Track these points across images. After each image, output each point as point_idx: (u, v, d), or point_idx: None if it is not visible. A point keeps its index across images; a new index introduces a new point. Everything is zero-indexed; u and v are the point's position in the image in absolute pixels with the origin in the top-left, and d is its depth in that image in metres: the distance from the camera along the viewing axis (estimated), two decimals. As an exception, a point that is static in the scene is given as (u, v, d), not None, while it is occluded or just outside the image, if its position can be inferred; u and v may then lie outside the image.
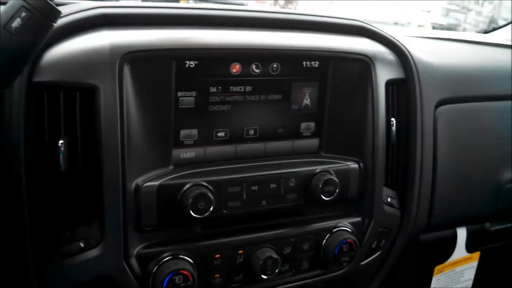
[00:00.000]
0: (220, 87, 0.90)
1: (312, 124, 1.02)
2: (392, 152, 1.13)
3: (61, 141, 0.80)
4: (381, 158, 1.06)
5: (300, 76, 0.97)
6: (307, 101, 1.00)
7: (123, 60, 0.81)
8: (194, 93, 0.89)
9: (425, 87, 1.14)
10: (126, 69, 0.82)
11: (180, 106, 0.88)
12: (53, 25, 0.68)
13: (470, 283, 1.41)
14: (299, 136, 1.01)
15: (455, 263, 1.33)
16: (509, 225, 1.45)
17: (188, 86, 0.88)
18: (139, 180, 0.84)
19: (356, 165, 1.03)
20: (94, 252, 0.84)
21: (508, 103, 1.36)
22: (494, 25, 2.01)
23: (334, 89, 1.01)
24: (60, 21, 0.80)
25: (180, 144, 0.90)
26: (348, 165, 1.02)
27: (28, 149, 0.79)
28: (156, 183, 0.85)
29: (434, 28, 3.10)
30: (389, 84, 1.08)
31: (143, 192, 0.84)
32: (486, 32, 1.95)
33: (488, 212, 1.34)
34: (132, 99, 0.83)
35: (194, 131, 0.91)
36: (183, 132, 0.90)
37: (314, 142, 1.03)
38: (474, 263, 1.39)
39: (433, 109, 1.20)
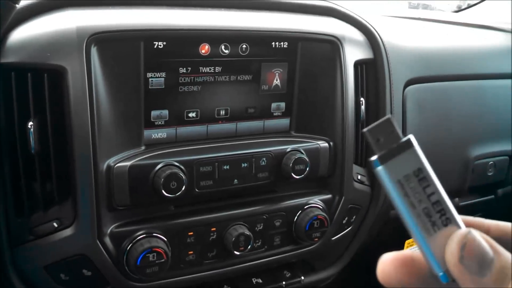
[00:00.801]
0: (189, 68, 0.92)
1: (283, 104, 1.04)
2: (361, 130, 1.16)
3: (30, 123, 0.81)
4: (351, 136, 1.08)
5: (270, 57, 0.99)
6: (277, 81, 1.01)
7: (90, 41, 0.81)
8: (163, 74, 0.90)
9: (394, 67, 1.17)
10: (94, 50, 0.82)
11: (150, 87, 0.89)
12: (15, 7, 0.69)
13: (440, 256, 1.45)
14: (269, 116, 1.03)
15: (425, 238, 1.37)
16: (477, 200, 1.49)
17: (157, 67, 0.89)
18: (110, 161, 0.85)
19: (326, 144, 1.05)
20: (67, 232, 0.85)
21: (476, 82, 1.39)
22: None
23: (304, 70, 1.03)
24: (25, 2, 0.80)
25: (151, 125, 0.91)
26: (318, 144, 1.04)
27: None
28: (127, 163, 0.86)
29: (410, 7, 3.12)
30: (358, 64, 1.10)
31: (114, 172, 0.85)
32: (457, 11, 1.98)
33: (457, 188, 1.38)
34: (101, 80, 0.84)
35: (165, 112, 0.92)
36: (153, 113, 0.91)
37: (285, 121, 1.05)
38: (444, 237, 1.42)
39: (402, 89, 1.22)
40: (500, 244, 0.38)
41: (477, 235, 0.38)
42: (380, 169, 0.40)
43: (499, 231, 0.41)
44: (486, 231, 0.41)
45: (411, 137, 0.41)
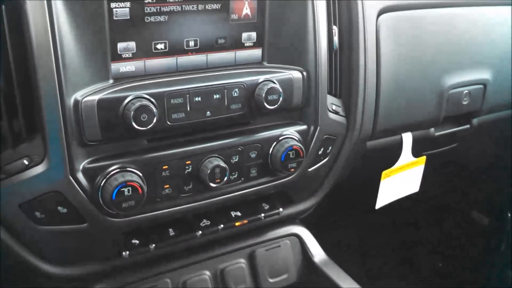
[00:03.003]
0: (155, -3, 0.88)
1: (254, 34, 1.01)
2: (335, 60, 1.15)
3: None
4: (324, 66, 1.07)
5: (238, -16, 0.96)
6: (247, 10, 0.99)
7: None
8: (128, 4, 0.86)
9: (367, -6, 1.15)
10: (53, -21, 0.79)
11: (114, 18, 0.86)
12: None
13: (418, 186, 1.48)
14: (241, 46, 1.01)
15: (402, 168, 1.39)
16: (452, 130, 1.51)
17: (121, -4, 0.85)
18: (78, 95, 0.83)
19: (299, 74, 1.04)
20: (38, 169, 0.84)
21: (451, 9, 1.37)
22: None
23: (274, -2, 1.00)
24: None
25: (119, 58, 0.89)
26: (291, 74, 1.03)
27: None
28: (95, 97, 0.84)
29: None
30: (329, -10, 1.08)
31: (83, 106, 0.83)
32: None
33: (432, 118, 1.39)
34: (62, 10, 0.80)
35: (132, 44, 0.89)
36: (120, 45, 0.88)
37: (257, 52, 1.03)
38: (421, 167, 1.45)
39: (375, 17, 1.21)
40: None
41: None
42: None
43: None
44: None
45: None
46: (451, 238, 2.17)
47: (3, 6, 0.78)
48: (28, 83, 0.82)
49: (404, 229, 2.25)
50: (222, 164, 0.97)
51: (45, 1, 0.78)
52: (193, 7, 0.93)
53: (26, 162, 0.84)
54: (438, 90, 1.37)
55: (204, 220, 1.08)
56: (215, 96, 0.95)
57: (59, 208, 0.88)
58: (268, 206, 1.15)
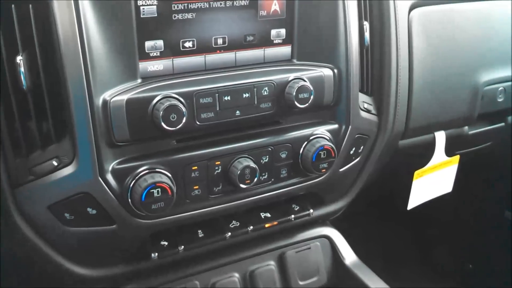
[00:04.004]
0: (183, -6, 0.87)
1: (283, 31, 0.99)
2: (366, 57, 1.12)
3: (19, 57, 0.77)
4: (355, 63, 1.04)
5: (267, -21, 0.94)
6: (275, 6, 0.97)
7: None
8: (155, 1, 0.85)
9: (398, -11, 1.12)
10: (79, -22, 0.78)
11: (141, 16, 0.84)
12: None
13: (451, 186, 1.44)
14: (270, 44, 0.99)
15: (435, 167, 1.35)
16: (487, 128, 1.46)
17: (149, -7, 0.84)
18: (106, 95, 0.82)
19: (330, 71, 1.01)
20: (68, 170, 0.83)
21: (482, 3, 1.33)
22: None
23: (303, -7, 0.98)
24: None
25: (147, 57, 0.87)
26: (322, 71, 1.00)
27: None
28: (124, 97, 0.83)
29: None
30: (360, -14, 1.05)
31: (111, 106, 0.82)
32: None
33: (466, 116, 1.34)
34: (89, 10, 0.79)
35: (160, 42, 0.88)
36: (148, 44, 0.87)
37: (286, 49, 1.01)
38: (454, 167, 1.41)
39: (407, 12, 1.17)
40: None
41: None
42: None
43: None
44: None
45: None
46: (483, 239, 2.11)
47: (30, 6, 0.78)
48: (56, 84, 0.81)
49: (433, 229, 2.20)
50: (252, 164, 0.95)
51: (72, 1, 0.78)
52: (221, 4, 0.91)
53: (55, 163, 0.83)
54: (472, 87, 1.32)
55: (233, 222, 1.06)
56: (244, 95, 0.93)
57: (89, 209, 0.87)
58: (298, 207, 1.13)
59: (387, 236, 2.15)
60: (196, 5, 0.89)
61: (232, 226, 1.06)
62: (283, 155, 1.01)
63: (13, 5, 0.76)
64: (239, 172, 0.94)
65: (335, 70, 1.01)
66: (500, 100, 1.40)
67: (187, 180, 0.92)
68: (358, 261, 1.21)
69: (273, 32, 0.98)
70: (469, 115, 1.35)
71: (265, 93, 0.95)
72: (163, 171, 0.89)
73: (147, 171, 0.87)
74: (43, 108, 0.82)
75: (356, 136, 1.10)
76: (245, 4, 0.93)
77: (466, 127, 1.40)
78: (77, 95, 0.80)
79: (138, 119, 0.84)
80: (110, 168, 0.86)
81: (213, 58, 0.94)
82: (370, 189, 1.30)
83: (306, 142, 1.02)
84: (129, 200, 0.87)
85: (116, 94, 0.83)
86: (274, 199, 1.06)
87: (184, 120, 0.85)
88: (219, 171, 0.95)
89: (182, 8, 0.87)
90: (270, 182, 1.01)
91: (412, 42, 1.18)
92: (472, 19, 1.30)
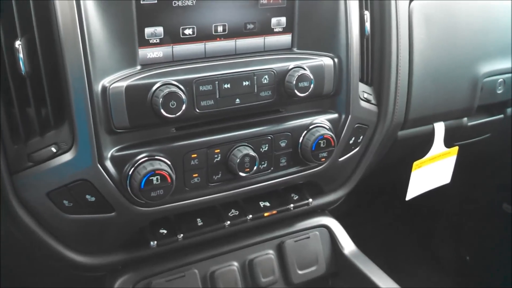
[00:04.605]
0: (183, -19, 0.86)
1: (283, 19, 0.99)
2: (367, 47, 1.11)
3: (18, 42, 0.77)
4: (356, 52, 1.03)
5: (267, -33, 0.93)
6: (276, -6, 0.96)
7: None
8: None
9: (399, -22, 1.11)
10: (79, -38, 0.77)
11: (141, 2, 0.84)
12: None
13: (449, 177, 1.44)
14: (270, 32, 0.98)
15: (434, 158, 1.35)
16: (486, 120, 1.46)
17: (149, -21, 0.83)
18: (105, 81, 0.82)
19: (330, 60, 1.00)
20: (66, 157, 0.83)
21: (485, -5, 1.33)
22: None
23: (304, -19, 0.97)
24: None
25: (146, 43, 0.87)
26: (322, 60, 1.00)
27: None
28: (123, 83, 0.82)
29: None
30: (361, -26, 1.04)
31: (111, 93, 0.81)
32: None
33: (465, 107, 1.34)
34: (89, -6, 0.79)
35: (160, 29, 0.87)
36: (147, 30, 0.86)
37: (286, 38, 1.00)
38: (453, 158, 1.41)
39: (408, 3, 1.17)
40: None
41: None
42: None
43: None
44: None
45: None
46: (480, 231, 2.12)
47: (30, -10, 0.77)
48: (55, 70, 0.80)
49: (431, 220, 2.20)
50: (252, 153, 0.95)
51: None
52: (221, -10, 0.90)
53: (54, 149, 0.83)
54: (472, 79, 1.32)
55: (233, 210, 1.06)
56: (244, 83, 0.92)
57: (87, 196, 0.87)
58: (297, 197, 1.13)
59: (386, 226, 2.16)
60: (197, -8, 0.88)
61: (231, 214, 1.06)
62: (283, 144, 1.00)
63: (12, -11, 0.76)
64: (238, 160, 0.94)
65: (336, 60, 1.01)
66: (499, 92, 1.40)
67: (187, 168, 0.92)
68: (357, 250, 1.21)
69: (274, 20, 0.97)
70: (469, 106, 1.35)
71: (265, 82, 0.94)
72: (163, 158, 0.88)
73: (146, 158, 0.87)
74: (42, 94, 0.82)
75: (356, 125, 1.09)
76: (246, -9, 0.92)
77: (465, 119, 1.40)
78: (76, 81, 0.79)
79: (138, 106, 0.84)
80: (109, 155, 0.85)
81: (213, 45, 0.93)
82: (369, 179, 1.29)
83: (305, 131, 1.01)
84: (128, 187, 0.86)
85: (116, 81, 0.82)
86: (273, 188, 1.05)
87: (183, 108, 0.84)
88: (218, 159, 0.94)
89: (182, -6, 0.87)
90: (269, 170, 1.01)
91: (412, 33, 1.17)
92: (472, 11, 1.30)
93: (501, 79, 1.39)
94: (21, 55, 0.77)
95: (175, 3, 0.87)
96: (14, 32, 0.78)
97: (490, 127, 1.49)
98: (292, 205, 1.11)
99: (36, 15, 0.78)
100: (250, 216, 1.07)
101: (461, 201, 2.12)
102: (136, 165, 0.86)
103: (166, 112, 0.83)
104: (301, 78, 0.95)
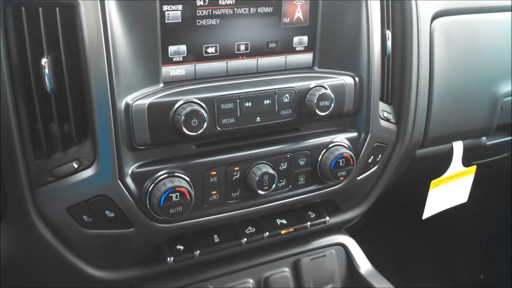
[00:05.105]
0: (207, 0, 0.87)
1: (305, 38, 0.99)
2: (387, 66, 1.11)
3: (44, 60, 0.78)
4: (377, 72, 1.03)
5: (291, -13, 0.93)
6: (299, 13, 0.96)
7: None
8: (180, 7, 0.85)
9: (421, -2, 1.11)
10: (106, -18, 0.78)
11: (166, 21, 0.84)
12: None
13: (466, 196, 1.42)
14: (292, 50, 0.98)
15: (451, 177, 1.34)
16: (505, 139, 1.45)
17: (174, -1, 0.84)
18: (128, 98, 0.82)
19: (351, 79, 1.00)
20: (88, 172, 0.84)
21: (506, 14, 1.32)
22: None
23: (327, 1, 0.97)
24: None
25: (169, 61, 0.87)
26: (343, 79, 1.00)
27: (11, 69, 0.77)
28: (146, 101, 0.83)
29: None
30: (383, -6, 1.04)
31: (133, 110, 0.82)
32: None
33: (484, 126, 1.33)
34: (115, 13, 0.79)
35: (183, 47, 0.88)
36: (171, 48, 0.87)
37: (308, 56, 1.00)
38: (470, 177, 1.39)
39: (429, 22, 1.16)
40: None
41: None
42: None
43: None
44: None
45: None
46: (495, 250, 2.09)
47: (57, 9, 0.78)
48: (80, 87, 0.81)
49: (446, 238, 2.18)
50: (271, 171, 0.94)
51: (99, 3, 0.78)
52: (244, 10, 0.91)
53: (75, 165, 0.84)
54: (492, 98, 1.31)
55: (250, 227, 1.06)
56: (265, 102, 0.92)
57: (107, 212, 0.87)
58: (314, 215, 1.12)
59: (402, 245, 2.14)
60: (220, 11, 0.88)
61: (248, 232, 1.06)
62: (302, 162, 1.00)
63: (40, 8, 0.77)
64: (257, 178, 0.93)
65: (356, 79, 1.01)
66: (519, 111, 1.39)
67: (206, 185, 0.92)
68: (373, 269, 1.20)
69: (296, 39, 0.98)
70: (488, 125, 1.34)
71: (286, 100, 0.94)
72: (182, 175, 0.89)
73: (166, 175, 0.87)
74: (66, 110, 0.82)
75: (375, 144, 1.09)
76: (269, 11, 0.93)
77: (484, 138, 1.39)
78: (100, 98, 0.80)
79: (160, 123, 0.84)
80: (129, 172, 0.86)
81: (235, 64, 0.93)
82: (386, 198, 1.29)
83: (325, 150, 1.01)
84: (148, 204, 0.87)
85: (139, 98, 0.83)
86: (291, 206, 1.05)
87: (205, 126, 0.85)
88: (237, 176, 0.94)
89: (206, 14, 0.87)
90: (287, 188, 1.01)
91: (433, 52, 1.17)
92: (493, 30, 1.29)
93: (521, 99, 1.38)
94: (47, 72, 0.78)
95: (199, 22, 0.87)
96: (41, 49, 0.78)
97: (509, 146, 1.48)
98: (309, 223, 1.10)
99: (63, 33, 0.79)
100: (267, 233, 1.06)
101: (477, 219, 2.09)
102: (156, 181, 0.86)
103: (188, 130, 0.83)
104: (322, 97, 0.94)
